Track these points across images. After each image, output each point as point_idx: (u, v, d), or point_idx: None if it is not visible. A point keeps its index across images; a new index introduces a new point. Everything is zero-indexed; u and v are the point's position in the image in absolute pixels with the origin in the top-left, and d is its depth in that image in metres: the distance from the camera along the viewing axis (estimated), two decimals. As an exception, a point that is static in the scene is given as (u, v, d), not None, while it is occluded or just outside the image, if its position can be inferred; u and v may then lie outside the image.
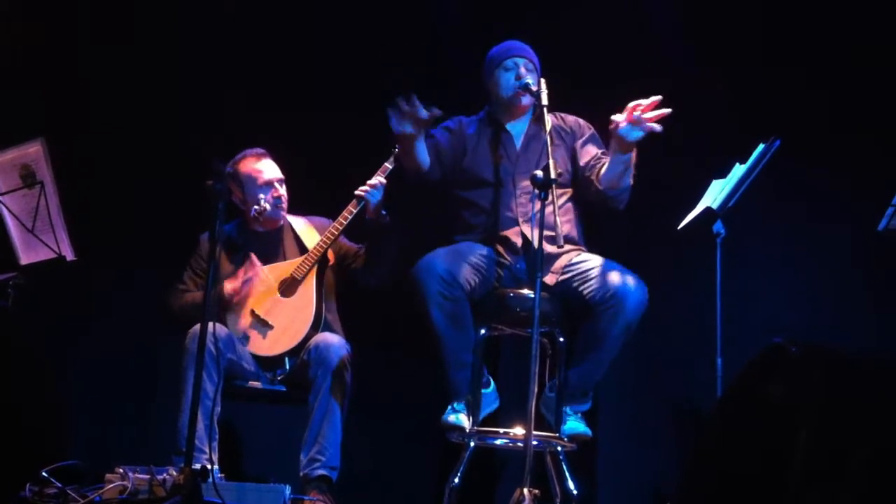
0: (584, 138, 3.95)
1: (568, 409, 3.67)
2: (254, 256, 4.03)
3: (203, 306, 3.26)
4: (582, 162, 3.89)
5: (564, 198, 3.84)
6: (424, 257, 3.64)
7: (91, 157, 4.69)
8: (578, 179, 3.90)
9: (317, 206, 4.31)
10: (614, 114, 3.57)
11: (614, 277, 3.60)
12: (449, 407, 3.63)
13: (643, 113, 3.50)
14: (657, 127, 3.51)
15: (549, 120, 3.59)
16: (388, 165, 4.04)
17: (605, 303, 3.57)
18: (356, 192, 3.97)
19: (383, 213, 3.99)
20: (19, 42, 4.76)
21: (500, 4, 4.86)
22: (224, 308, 3.98)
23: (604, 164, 3.79)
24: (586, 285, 3.63)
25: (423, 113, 3.57)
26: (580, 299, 3.64)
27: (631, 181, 3.74)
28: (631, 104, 3.51)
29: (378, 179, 3.97)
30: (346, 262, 4.13)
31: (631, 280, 3.60)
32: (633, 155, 3.66)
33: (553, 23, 4.70)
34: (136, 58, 4.87)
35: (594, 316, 3.60)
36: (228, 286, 3.99)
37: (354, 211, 3.99)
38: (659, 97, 3.49)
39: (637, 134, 3.54)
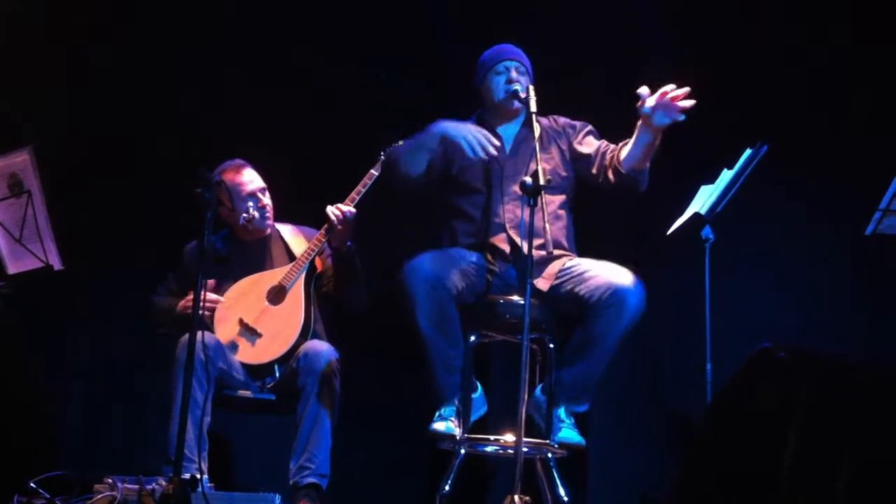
0: (581, 133, 3.93)
1: (562, 412, 3.65)
2: (212, 283, 4.00)
3: (193, 315, 3.25)
4: (586, 151, 3.86)
5: (555, 204, 3.83)
6: (412, 260, 3.62)
7: (79, 165, 4.68)
8: (583, 174, 3.88)
9: (304, 213, 4.29)
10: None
11: (613, 276, 3.58)
12: (436, 414, 3.61)
13: (673, 101, 3.48)
14: (681, 116, 3.50)
15: (537, 127, 3.59)
16: (374, 172, 4.04)
17: (605, 302, 3.54)
18: (326, 212, 3.95)
19: (349, 244, 3.97)
20: (7, 50, 4.75)
21: (496, 6, 4.86)
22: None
23: (621, 149, 3.76)
24: (583, 286, 3.61)
25: (491, 152, 3.66)
26: (577, 301, 3.62)
27: (648, 163, 3.72)
28: (662, 88, 3.50)
29: (349, 209, 3.94)
30: (320, 282, 4.11)
31: (629, 278, 3.58)
32: (658, 138, 3.64)
33: (544, 24, 4.71)
34: (127, 65, 4.87)
35: (593, 316, 3.57)
36: (182, 302, 3.96)
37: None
38: (687, 88, 3.48)
39: (664, 120, 3.52)
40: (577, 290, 3.63)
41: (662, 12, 4.75)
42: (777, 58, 4.65)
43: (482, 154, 3.66)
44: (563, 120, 3.99)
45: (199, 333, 3.31)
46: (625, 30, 4.77)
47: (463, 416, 3.63)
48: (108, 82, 4.83)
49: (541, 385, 3.77)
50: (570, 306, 3.67)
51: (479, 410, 3.79)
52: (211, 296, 3.95)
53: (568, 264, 3.72)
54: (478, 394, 3.79)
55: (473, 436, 3.68)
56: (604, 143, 3.89)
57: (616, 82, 4.56)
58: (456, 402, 3.63)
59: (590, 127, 3.97)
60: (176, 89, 4.86)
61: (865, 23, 4.53)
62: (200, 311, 3.87)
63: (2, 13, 4.72)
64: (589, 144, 3.89)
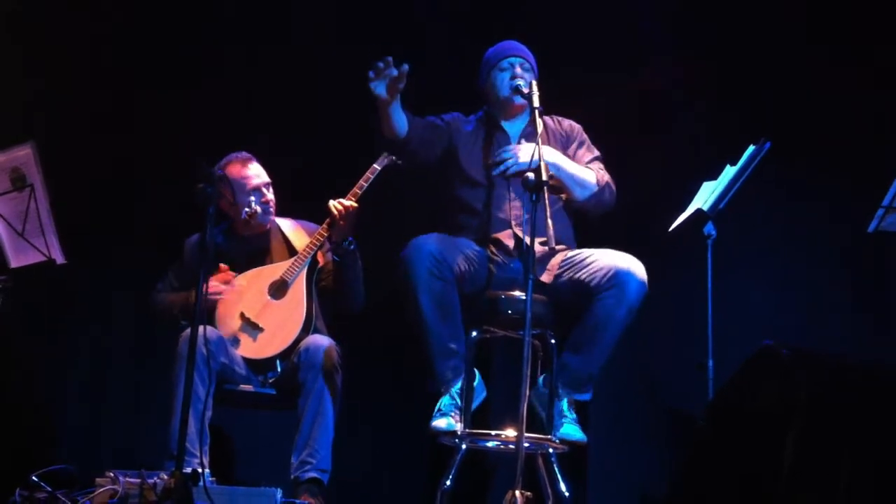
0: (575, 144, 3.96)
1: (564, 407, 3.65)
2: (224, 267, 4.00)
3: (194, 309, 3.25)
4: None
5: (559, 202, 3.84)
6: (415, 239, 3.61)
7: (82, 159, 4.68)
8: None
9: (306, 208, 4.29)
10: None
11: (614, 260, 3.61)
12: (436, 411, 3.61)
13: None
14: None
15: (540, 123, 3.60)
16: (377, 167, 4.03)
17: (607, 286, 3.57)
18: (328, 207, 3.94)
19: (350, 239, 3.94)
20: (9, 45, 4.75)
21: (496, 6, 4.86)
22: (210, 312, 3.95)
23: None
24: (586, 271, 3.64)
25: (394, 70, 3.50)
26: (579, 288, 3.64)
27: (588, 191, 3.81)
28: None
29: (351, 204, 3.94)
30: (320, 276, 4.10)
31: (631, 261, 3.61)
32: (566, 171, 3.76)
33: (543, 24, 4.71)
34: (125, 60, 4.87)
35: (597, 300, 3.59)
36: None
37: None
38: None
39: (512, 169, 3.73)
40: (578, 276, 3.65)
41: (662, 12, 4.75)
42: (777, 57, 4.65)
43: (386, 73, 3.51)
44: (566, 122, 4.02)
45: (201, 328, 3.30)
46: (625, 30, 4.77)
47: (464, 410, 3.64)
48: (108, 81, 4.83)
49: (543, 376, 3.77)
50: (572, 296, 3.68)
51: (478, 397, 3.78)
52: (227, 275, 3.96)
53: (570, 254, 3.75)
54: (476, 381, 3.77)
55: (475, 431, 3.68)
56: (586, 162, 3.91)
57: (616, 82, 4.58)
58: (453, 392, 3.63)
59: (585, 139, 4.00)
60: (175, 87, 4.86)
61: (865, 23, 4.53)
62: (219, 295, 3.91)
63: (2, 13, 4.71)
64: (578, 161, 3.91)
